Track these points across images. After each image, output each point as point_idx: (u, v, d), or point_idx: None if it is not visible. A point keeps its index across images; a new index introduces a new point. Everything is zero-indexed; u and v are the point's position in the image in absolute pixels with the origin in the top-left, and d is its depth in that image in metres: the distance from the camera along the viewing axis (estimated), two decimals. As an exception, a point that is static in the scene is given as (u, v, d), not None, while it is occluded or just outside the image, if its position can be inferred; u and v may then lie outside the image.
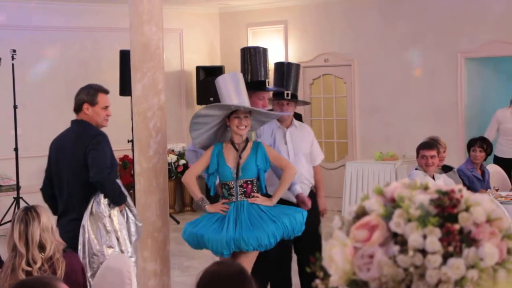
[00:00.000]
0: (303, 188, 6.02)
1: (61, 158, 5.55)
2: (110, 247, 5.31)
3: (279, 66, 6.38)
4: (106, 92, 5.59)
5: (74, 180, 5.46)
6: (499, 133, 9.70)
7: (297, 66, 6.39)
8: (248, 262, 5.41)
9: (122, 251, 5.35)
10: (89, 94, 5.49)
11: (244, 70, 6.16)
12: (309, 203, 5.87)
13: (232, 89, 5.46)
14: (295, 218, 5.46)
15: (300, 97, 12.07)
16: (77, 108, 5.54)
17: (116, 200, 5.43)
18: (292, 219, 5.44)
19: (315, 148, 6.41)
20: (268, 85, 6.12)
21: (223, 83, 5.54)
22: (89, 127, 5.51)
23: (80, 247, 5.23)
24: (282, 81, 6.20)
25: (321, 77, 11.78)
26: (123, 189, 5.55)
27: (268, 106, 6.15)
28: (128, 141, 10.13)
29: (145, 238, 6.23)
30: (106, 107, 5.54)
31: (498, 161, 9.27)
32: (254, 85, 6.04)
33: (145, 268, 6.14)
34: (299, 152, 6.21)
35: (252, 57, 6.13)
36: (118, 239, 5.37)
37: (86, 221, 5.29)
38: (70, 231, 5.18)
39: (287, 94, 6.15)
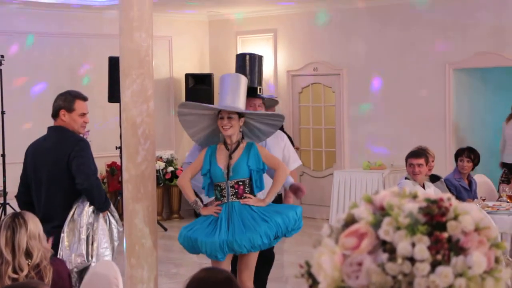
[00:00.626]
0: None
1: (40, 164, 5.49)
2: (79, 255, 5.27)
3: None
4: (84, 99, 5.54)
5: (55, 187, 5.42)
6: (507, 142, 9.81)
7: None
8: (249, 263, 5.42)
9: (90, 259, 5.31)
10: (66, 100, 5.46)
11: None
12: (304, 189, 5.87)
13: (229, 90, 5.44)
14: (288, 215, 5.44)
15: (289, 106, 12.10)
16: (54, 114, 5.50)
17: (102, 206, 5.42)
18: (285, 217, 5.42)
19: (286, 154, 6.36)
20: (261, 92, 6.10)
21: (223, 81, 5.53)
22: (68, 133, 5.47)
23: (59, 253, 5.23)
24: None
25: (310, 86, 11.81)
26: None
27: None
28: (116, 148, 10.11)
29: (132, 245, 6.21)
30: (83, 114, 5.50)
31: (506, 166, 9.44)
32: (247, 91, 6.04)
33: (132, 275, 6.12)
34: None
35: (247, 63, 6.12)
36: (91, 247, 5.35)
37: (65, 228, 5.29)
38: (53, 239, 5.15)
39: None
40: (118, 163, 10.50)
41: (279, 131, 6.55)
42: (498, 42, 9.94)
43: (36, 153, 5.56)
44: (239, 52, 12.09)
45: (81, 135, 5.63)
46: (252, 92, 6.01)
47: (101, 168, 10.70)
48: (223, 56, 12.42)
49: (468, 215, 1.77)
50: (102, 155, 10.46)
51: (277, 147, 6.22)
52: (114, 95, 9.83)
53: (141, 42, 6.29)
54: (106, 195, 5.56)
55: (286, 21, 11.96)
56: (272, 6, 11.64)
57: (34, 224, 4.00)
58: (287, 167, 5.80)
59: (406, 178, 6.94)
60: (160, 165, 11.42)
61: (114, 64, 9.43)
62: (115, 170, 11.17)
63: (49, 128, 5.59)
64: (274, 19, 12.06)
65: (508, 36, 9.85)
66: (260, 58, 6.20)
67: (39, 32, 11.02)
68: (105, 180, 11.12)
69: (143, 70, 6.31)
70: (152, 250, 6.17)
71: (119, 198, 10.13)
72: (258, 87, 6.06)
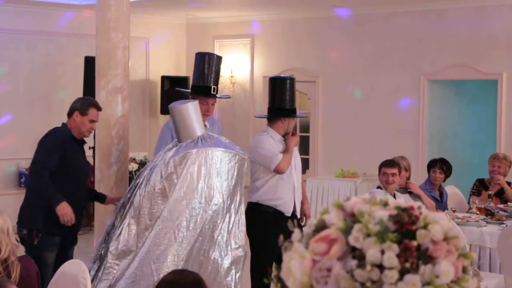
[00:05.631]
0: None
1: None
2: None
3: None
4: (98, 108, 5.95)
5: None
6: None
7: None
8: None
9: None
10: (83, 105, 5.90)
11: (194, 74, 6.17)
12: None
13: (196, 120, 5.38)
14: None
15: (265, 111, 12.17)
16: (69, 113, 5.93)
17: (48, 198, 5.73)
18: None
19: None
20: (215, 91, 6.09)
21: (187, 112, 5.40)
22: (60, 129, 5.93)
23: None
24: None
25: (286, 92, 11.82)
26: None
27: (212, 111, 6.18)
28: (90, 148, 10.05)
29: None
30: (93, 121, 5.89)
31: None
32: (199, 90, 6.03)
33: (101, 276, 6.08)
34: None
35: (205, 62, 6.10)
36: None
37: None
38: None
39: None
40: (91, 163, 10.43)
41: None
42: (471, 55, 10.03)
43: None
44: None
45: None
46: (206, 92, 6.02)
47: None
48: (200, 59, 12.40)
49: (437, 224, 1.78)
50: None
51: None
52: (89, 94, 9.76)
53: (117, 43, 6.28)
54: (49, 189, 5.64)
55: (264, 27, 11.98)
56: (250, 11, 11.66)
57: (2, 219, 3.98)
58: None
59: (378, 187, 6.98)
60: (133, 166, 11.37)
61: (89, 63, 9.37)
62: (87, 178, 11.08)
63: (62, 124, 6.07)
64: (252, 25, 12.08)
65: (483, 49, 9.95)
66: (218, 58, 6.20)
67: (16, 29, 10.94)
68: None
69: (119, 71, 6.30)
70: (122, 251, 6.16)
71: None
72: (213, 87, 6.05)
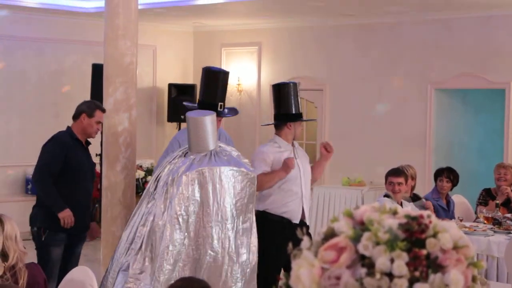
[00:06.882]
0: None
1: None
2: None
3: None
4: (103, 111, 6.25)
5: None
6: None
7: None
8: None
9: None
10: (89, 108, 6.26)
11: (201, 89, 6.15)
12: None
13: (210, 134, 5.37)
14: None
15: (271, 120, 12.17)
16: (75, 116, 6.29)
17: (46, 202, 6.10)
18: None
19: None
20: (221, 108, 6.06)
21: (202, 124, 5.35)
22: (60, 133, 6.30)
23: None
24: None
25: (293, 100, 11.82)
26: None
27: (219, 126, 6.12)
28: (97, 155, 10.07)
29: (109, 253, 6.19)
30: (99, 122, 6.27)
31: None
32: (206, 107, 5.96)
33: (108, 283, 6.09)
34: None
35: (213, 79, 6.08)
36: None
37: None
38: None
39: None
40: (98, 170, 10.46)
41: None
42: (479, 64, 10.02)
43: None
44: (223, 64, 12.12)
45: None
46: (213, 109, 5.89)
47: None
48: (207, 67, 12.42)
49: (447, 233, 1.78)
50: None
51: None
52: (96, 102, 9.79)
53: (125, 50, 6.29)
54: (51, 196, 6.03)
55: (271, 35, 12.00)
56: (257, 19, 11.67)
57: (11, 225, 4.00)
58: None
59: (385, 196, 6.97)
60: (140, 174, 11.39)
61: (97, 71, 9.39)
62: (94, 177, 11.09)
63: (67, 127, 6.38)
64: (259, 33, 12.10)
65: (490, 58, 9.94)
66: (226, 74, 6.17)
67: (25, 36, 10.98)
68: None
69: (126, 78, 6.31)
70: (129, 258, 6.16)
71: (96, 205, 10.07)
72: (219, 104, 6.02)
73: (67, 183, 6.13)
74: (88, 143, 6.43)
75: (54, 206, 6.04)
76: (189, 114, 5.43)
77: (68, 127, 6.32)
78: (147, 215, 5.15)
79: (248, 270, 5.35)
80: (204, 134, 5.29)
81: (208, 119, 5.32)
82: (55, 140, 6.21)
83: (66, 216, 6.02)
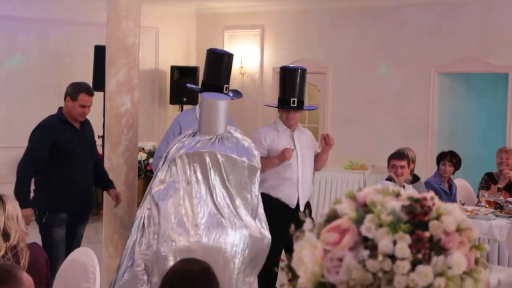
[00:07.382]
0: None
1: None
2: None
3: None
4: (89, 94, 6.14)
5: None
6: None
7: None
8: None
9: None
10: (73, 91, 6.11)
11: (205, 71, 6.13)
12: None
13: (221, 119, 5.35)
14: None
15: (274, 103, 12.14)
16: (64, 98, 6.18)
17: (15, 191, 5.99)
18: None
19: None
20: (227, 90, 6.04)
21: (215, 108, 5.33)
22: (49, 117, 6.22)
23: None
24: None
25: (295, 83, 11.80)
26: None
27: None
28: (99, 137, 10.07)
29: (111, 234, 6.21)
30: (83, 106, 6.09)
31: None
32: (210, 89, 5.94)
33: (110, 264, 6.11)
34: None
35: (217, 61, 6.06)
36: None
37: None
38: None
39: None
40: (100, 152, 10.45)
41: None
42: (483, 48, 9.99)
43: None
44: (225, 46, 12.08)
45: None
46: (218, 91, 5.87)
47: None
48: (210, 50, 12.39)
49: (450, 215, 1.78)
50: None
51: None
52: (98, 83, 9.77)
53: (128, 31, 6.27)
54: (22, 189, 5.96)
55: (274, 18, 11.96)
56: (260, 2, 11.63)
57: (12, 206, 4.00)
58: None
59: (387, 179, 6.96)
60: (142, 156, 11.38)
61: (100, 52, 9.37)
62: (95, 156, 11.09)
63: (58, 109, 6.31)
64: (262, 15, 12.06)
65: (493, 42, 9.91)
66: (230, 56, 6.15)
67: (26, 17, 10.95)
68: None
69: (129, 60, 6.29)
70: (131, 240, 6.16)
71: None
72: (225, 86, 6.01)
73: (62, 166, 6.06)
74: (86, 121, 6.27)
75: (20, 200, 5.62)
76: (204, 96, 5.42)
77: (59, 109, 6.24)
78: (147, 194, 5.16)
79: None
80: (216, 117, 5.28)
81: (223, 103, 5.32)
82: (42, 127, 6.14)
83: (25, 215, 5.52)
